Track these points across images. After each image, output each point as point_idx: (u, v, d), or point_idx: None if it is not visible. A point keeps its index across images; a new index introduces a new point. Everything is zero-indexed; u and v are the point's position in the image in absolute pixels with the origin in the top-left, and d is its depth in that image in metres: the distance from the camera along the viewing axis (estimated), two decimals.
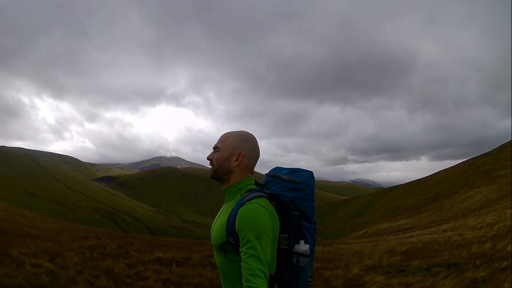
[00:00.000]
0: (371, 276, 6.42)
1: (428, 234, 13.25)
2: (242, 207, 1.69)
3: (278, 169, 1.95)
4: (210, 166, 1.91)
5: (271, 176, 1.92)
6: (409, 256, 8.29)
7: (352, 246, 12.88)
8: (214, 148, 1.91)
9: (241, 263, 1.61)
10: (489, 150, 57.12)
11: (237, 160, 1.84)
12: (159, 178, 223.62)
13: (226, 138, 1.89)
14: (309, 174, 1.89)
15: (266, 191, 1.82)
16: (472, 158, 59.74)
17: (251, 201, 1.70)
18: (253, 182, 1.90)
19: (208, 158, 1.92)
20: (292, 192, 1.81)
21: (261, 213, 1.66)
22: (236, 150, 1.85)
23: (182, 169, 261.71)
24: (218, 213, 1.91)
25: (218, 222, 1.84)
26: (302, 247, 1.75)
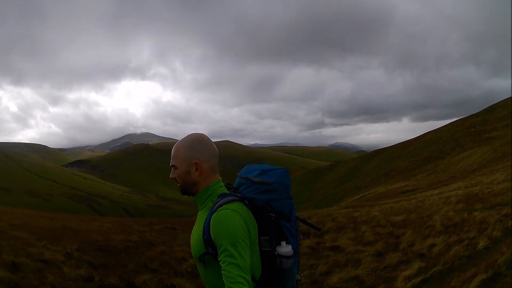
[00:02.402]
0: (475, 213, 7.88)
1: (451, 191, 14.92)
2: (214, 215, 1.69)
3: (249, 170, 1.94)
4: (177, 184, 1.90)
5: (242, 178, 1.92)
6: (467, 203, 9.76)
7: (392, 205, 14.23)
8: (171, 166, 1.90)
9: (222, 272, 1.63)
10: (475, 111, 60.05)
11: (197, 170, 1.83)
12: (131, 157, 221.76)
13: (177, 152, 1.87)
14: (282, 171, 1.88)
15: (239, 195, 1.82)
16: (461, 119, 62.28)
17: (222, 207, 1.70)
18: (222, 184, 1.90)
19: (171, 178, 1.91)
20: (265, 194, 1.80)
21: (233, 219, 1.67)
22: (191, 161, 1.83)
23: (154, 145, 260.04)
24: (195, 223, 1.92)
25: (195, 233, 1.84)
26: (284, 249, 1.75)
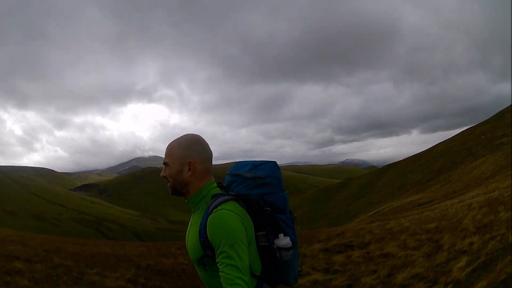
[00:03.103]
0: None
1: (471, 199, 15.02)
2: (210, 216, 1.70)
3: (238, 166, 1.96)
4: (167, 183, 1.90)
5: (233, 175, 1.92)
6: (490, 207, 10.07)
7: (417, 216, 14.47)
8: (163, 164, 1.89)
9: (220, 274, 1.64)
10: (486, 118, 59.65)
11: (189, 169, 1.83)
12: (140, 180, 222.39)
13: (171, 150, 1.87)
14: (272, 164, 1.90)
15: (232, 193, 1.83)
16: (471, 127, 61.89)
17: (218, 208, 1.70)
18: (215, 185, 1.89)
19: (162, 176, 1.90)
20: (259, 188, 1.82)
21: (230, 219, 1.67)
22: (185, 160, 1.83)
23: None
24: (188, 226, 1.93)
25: (191, 236, 1.84)
26: (283, 241, 1.78)
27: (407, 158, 77.06)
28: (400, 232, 10.73)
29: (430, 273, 5.61)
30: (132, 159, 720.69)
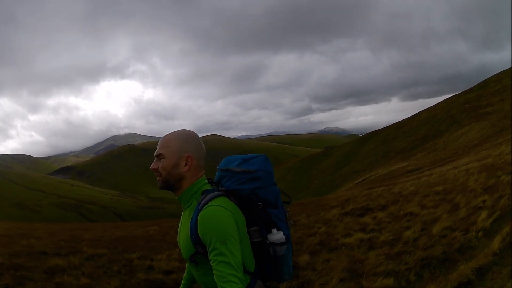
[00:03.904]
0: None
1: (465, 165, 16.21)
2: (200, 213, 1.68)
3: (228, 161, 1.93)
4: (157, 176, 1.84)
5: (223, 170, 1.90)
6: (488, 172, 11.19)
7: (416, 181, 15.59)
8: (156, 155, 1.84)
9: (213, 271, 1.62)
10: (467, 86, 61.72)
11: (186, 164, 1.81)
12: (117, 159, 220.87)
13: (168, 142, 1.83)
14: (262, 158, 1.89)
15: (222, 188, 1.81)
16: (454, 95, 63.71)
17: (208, 204, 1.69)
18: (206, 181, 1.88)
19: (152, 168, 1.84)
20: (249, 183, 1.81)
21: (221, 215, 1.66)
22: (183, 154, 1.81)
23: (140, 145, 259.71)
24: (180, 223, 1.90)
25: (182, 234, 1.82)
26: (276, 236, 1.77)
27: (389, 125, 78.72)
28: (411, 194, 11.51)
29: (459, 225, 6.37)
30: (108, 138, 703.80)
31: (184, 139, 1.83)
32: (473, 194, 8.69)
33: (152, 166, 1.83)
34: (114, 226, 20.55)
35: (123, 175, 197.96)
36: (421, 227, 6.97)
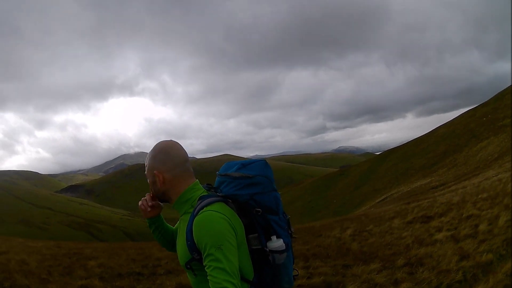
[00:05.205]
0: None
1: (494, 176, 16.69)
2: (195, 218, 1.69)
3: (227, 166, 1.95)
4: None
5: (222, 176, 1.91)
6: None
7: (453, 193, 15.89)
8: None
9: (208, 277, 1.62)
10: (483, 99, 61.88)
11: (159, 180, 1.85)
12: (127, 178, 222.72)
13: (146, 162, 1.92)
14: (262, 163, 1.90)
15: (220, 194, 1.82)
16: (471, 109, 63.61)
17: (203, 210, 1.69)
18: (200, 186, 1.90)
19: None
20: (248, 188, 1.80)
21: (216, 220, 1.66)
22: (152, 172, 1.86)
23: None
24: (178, 230, 1.93)
25: (179, 240, 1.84)
26: (275, 243, 1.76)
27: (407, 142, 78.75)
28: (460, 202, 12.01)
29: None
30: (118, 157, 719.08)
31: (152, 156, 1.88)
32: None
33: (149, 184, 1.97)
34: (138, 246, 18.59)
35: (133, 195, 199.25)
36: (488, 222, 7.90)
